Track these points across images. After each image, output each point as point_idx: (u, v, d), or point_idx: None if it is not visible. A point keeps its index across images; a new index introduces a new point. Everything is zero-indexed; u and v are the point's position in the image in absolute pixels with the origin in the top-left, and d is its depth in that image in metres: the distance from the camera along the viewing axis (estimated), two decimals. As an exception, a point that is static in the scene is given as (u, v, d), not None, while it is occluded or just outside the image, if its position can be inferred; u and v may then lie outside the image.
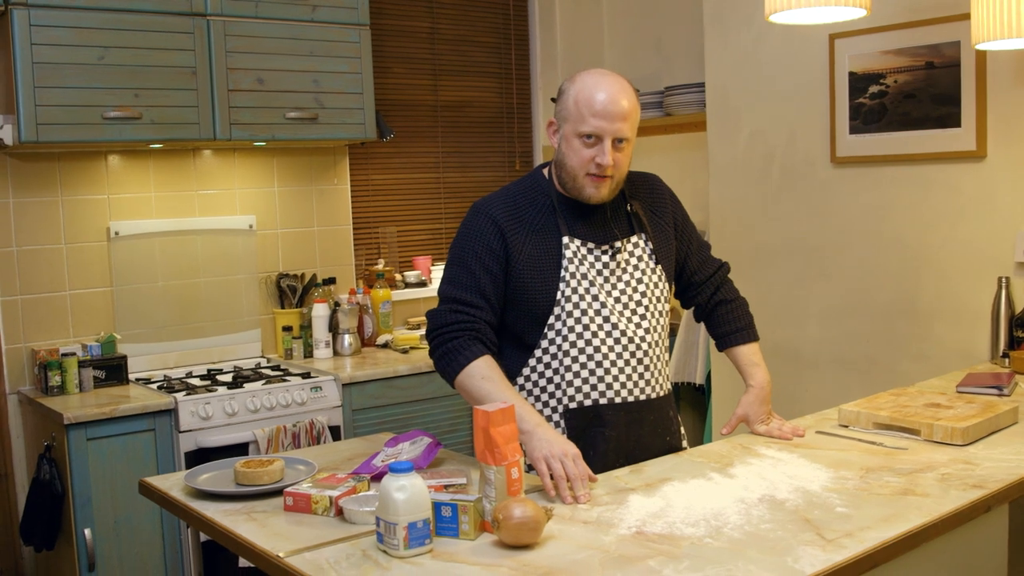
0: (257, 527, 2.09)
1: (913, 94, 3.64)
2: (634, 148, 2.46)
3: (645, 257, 2.52)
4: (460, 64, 5.04)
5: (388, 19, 4.74)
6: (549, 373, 2.44)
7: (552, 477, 2.15)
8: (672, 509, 2.04)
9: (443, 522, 1.94)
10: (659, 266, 2.54)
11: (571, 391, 2.43)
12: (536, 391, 2.46)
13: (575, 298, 2.41)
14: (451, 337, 2.37)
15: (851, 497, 2.09)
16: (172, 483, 2.42)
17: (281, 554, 1.91)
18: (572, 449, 2.19)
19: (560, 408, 2.44)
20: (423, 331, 4.55)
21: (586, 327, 2.42)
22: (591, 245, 2.46)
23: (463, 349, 2.34)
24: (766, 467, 2.31)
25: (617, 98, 2.34)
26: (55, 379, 3.63)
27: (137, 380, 3.86)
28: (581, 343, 2.42)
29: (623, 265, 2.49)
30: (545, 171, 2.53)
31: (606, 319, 2.43)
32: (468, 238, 2.44)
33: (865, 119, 3.80)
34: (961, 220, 3.58)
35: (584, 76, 2.40)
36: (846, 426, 2.64)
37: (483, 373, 2.31)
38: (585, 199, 2.42)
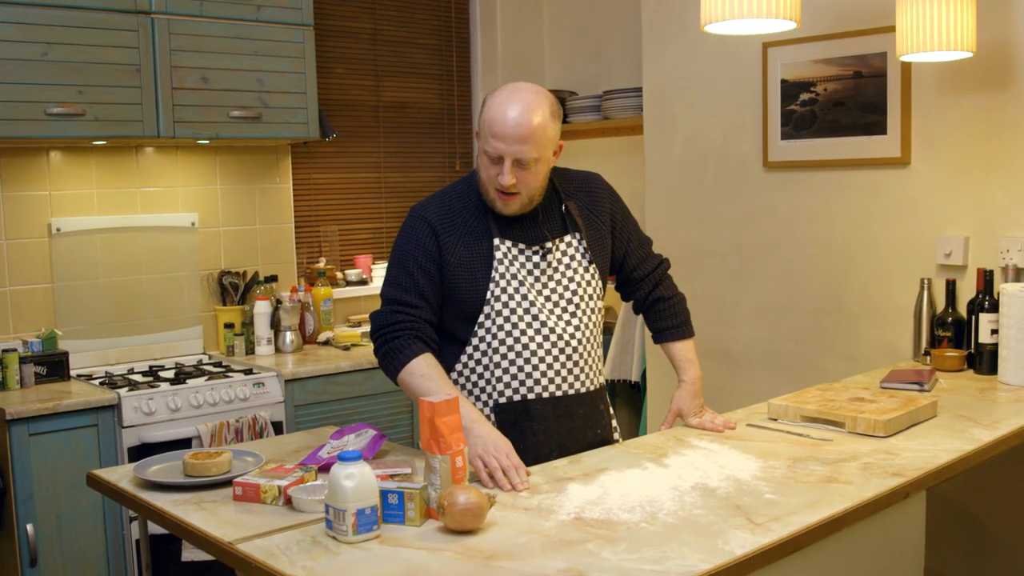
0: (207, 516, 2.14)
1: (842, 102, 3.78)
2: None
3: (578, 256, 2.61)
4: (402, 65, 5.10)
5: (331, 20, 4.79)
6: (480, 369, 2.54)
7: (489, 471, 2.24)
8: (609, 496, 2.14)
9: (390, 509, 2.01)
10: (592, 265, 2.63)
11: (500, 386, 2.53)
12: (468, 385, 2.56)
13: (504, 297, 2.50)
14: (392, 336, 2.47)
15: (779, 485, 2.19)
16: (121, 475, 2.46)
17: (232, 541, 1.96)
18: (504, 443, 2.30)
19: (490, 403, 2.54)
20: (364, 328, 4.61)
21: (515, 325, 2.51)
22: (522, 246, 2.55)
23: (404, 348, 2.44)
24: (699, 457, 2.41)
25: (521, 120, 2.38)
26: (-5, 375, 3.63)
27: (78, 376, 3.87)
28: (510, 340, 2.51)
29: (554, 264, 2.58)
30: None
31: (535, 317, 2.52)
32: (406, 241, 2.53)
33: (796, 125, 3.93)
34: (886, 224, 3.73)
35: (498, 93, 2.45)
36: (775, 419, 2.76)
37: (422, 371, 2.41)
38: (497, 212, 2.52)
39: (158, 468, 2.43)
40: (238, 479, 2.24)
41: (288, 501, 2.17)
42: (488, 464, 2.25)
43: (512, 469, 2.24)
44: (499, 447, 2.28)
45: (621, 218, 2.73)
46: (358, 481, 1.92)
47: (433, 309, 2.51)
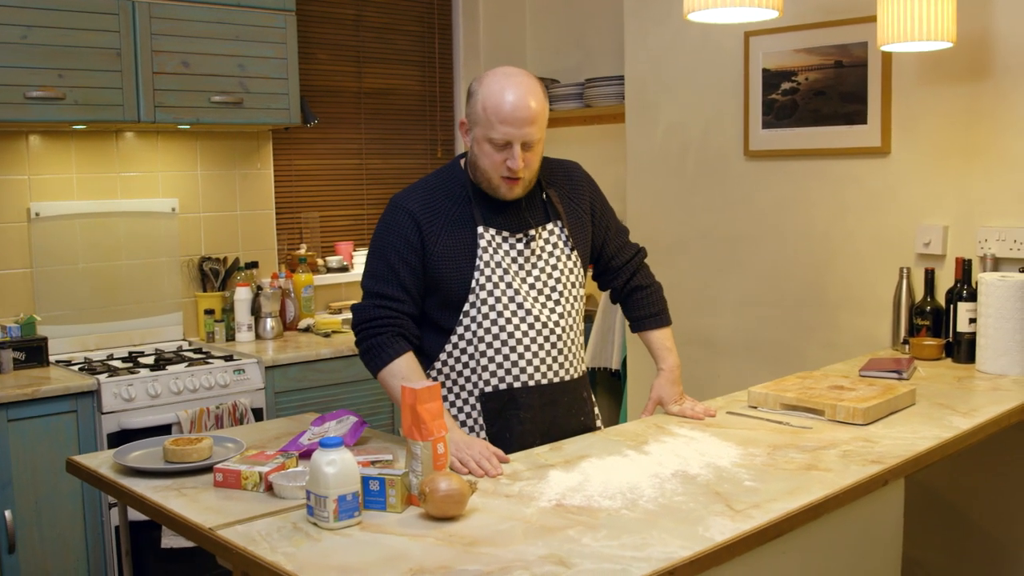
0: (188, 502, 2.13)
1: (823, 91, 3.79)
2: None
3: (560, 244, 2.61)
4: (384, 52, 5.08)
5: (313, 5, 4.77)
6: (465, 358, 2.53)
7: (464, 464, 2.25)
8: (590, 483, 2.14)
9: (371, 496, 2.01)
10: (574, 252, 2.63)
11: (486, 375, 2.52)
12: (453, 375, 2.55)
13: (489, 286, 2.50)
14: (374, 333, 2.46)
15: (759, 472, 2.21)
16: (101, 461, 2.45)
17: (213, 527, 1.96)
18: (477, 441, 2.32)
19: (476, 392, 2.53)
20: (345, 316, 4.60)
21: (500, 313, 2.50)
22: (506, 234, 2.55)
23: (386, 347, 2.44)
24: (679, 445, 2.42)
25: (524, 103, 2.40)
26: (-27, 360, 3.61)
27: (57, 362, 3.85)
28: (495, 329, 2.51)
29: (537, 252, 2.58)
30: (462, 162, 2.61)
31: (520, 305, 2.52)
32: (387, 232, 2.52)
33: (777, 115, 3.94)
34: (866, 213, 3.74)
35: (491, 80, 2.44)
36: (755, 407, 2.78)
37: (403, 374, 2.41)
38: (500, 198, 2.51)
39: (138, 454, 2.42)
40: (219, 465, 2.23)
41: (269, 487, 2.16)
42: (464, 461, 2.25)
43: (485, 459, 2.25)
44: (471, 444, 2.29)
45: (600, 207, 2.74)
46: (339, 467, 1.92)
47: (415, 302, 2.51)
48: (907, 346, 3.48)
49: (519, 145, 2.42)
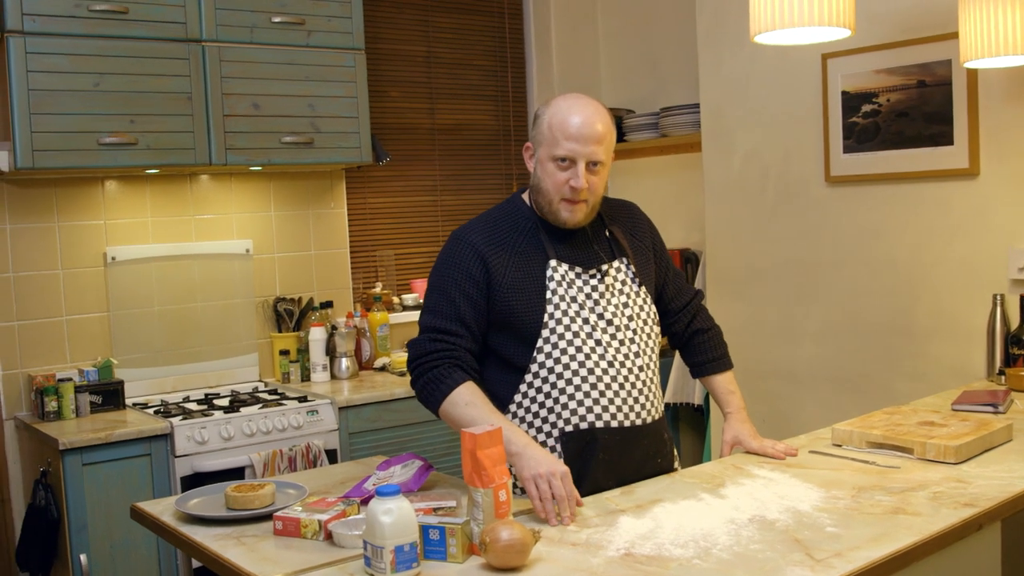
0: (246, 551, 2.08)
1: (906, 112, 3.65)
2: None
3: (629, 281, 2.51)
4: (456, 87, 5.06)
5: (384, 43, 4.77)
6: (541, 397, 2.41)
7: (540, 496, 2.14)
8: (662, 530, 2.04)
9: (431, 545, 1.94)
10: (643, 288, 2.54)
11: (566, 414, 2.40)
12: (529, 416, 2.42)
13: (565, 320, 2.40)
14: (431, 366, 2.37)
15: (842, 517, 2.08)
16: (163, 508, 2.42)
17: (269, 579, 1.91)
18: (561, 468, 2.18)
19: (555, 432, 2.40)
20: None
21: (579, 349, 2.40)
22: (579, 270, 2.45)
23: (444, 377, 2.34)
24: (758, 487, 2.30)
25: (591, 121, 2.36)
26: (51, 404, 3.63)
27: (134, 405, 3.86)
28: (575, 365, 2.40)
29: (611, 289, 2.48)
30: (524, 196, 2.54)
31: (597, 341, 2.42)
32: (448, 266, 2.43)
33: (858, 138, 3.80)
34: (955, 237, 3.58)
35: (559, 100, 2.42)
36: (839, 445, 2.64)
37: (466, 399, 2.31)
38: (561, 223, 2.43)
39: (200, 501, 2.39)
40: (278, 513, 2.19)
41: (329, 536, 2.11)
42: (540, 490, 2.14)
43: (564, 500, 2.14)
44: (555, 471, 2.16)
45: (660, 247, 2.67)
46: (396, 516, 1.85)
47: (475, 338, 2.41)
48: (1003, 377, 3.31)
49: (583, 163, 2.35)
